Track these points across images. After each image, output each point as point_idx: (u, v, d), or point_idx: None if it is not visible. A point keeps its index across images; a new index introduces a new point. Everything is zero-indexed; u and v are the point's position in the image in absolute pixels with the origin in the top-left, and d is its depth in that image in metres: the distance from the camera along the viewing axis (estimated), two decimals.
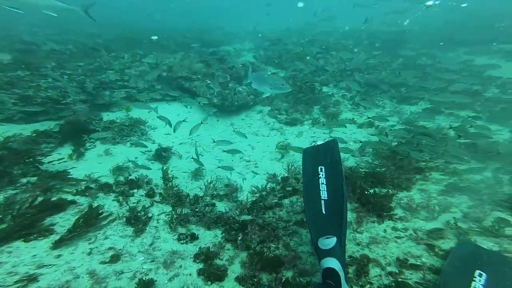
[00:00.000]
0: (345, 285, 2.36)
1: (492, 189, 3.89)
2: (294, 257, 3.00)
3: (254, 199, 4.30)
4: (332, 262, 2.42)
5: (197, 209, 3.94)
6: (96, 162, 5.17)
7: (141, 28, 18.56)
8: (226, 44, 15.32)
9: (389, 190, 4.08)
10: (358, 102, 7.81)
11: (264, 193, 4.47)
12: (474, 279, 2.53)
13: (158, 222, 3.71)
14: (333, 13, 15.98)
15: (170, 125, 5.36)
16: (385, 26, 15.90)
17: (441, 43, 13.58)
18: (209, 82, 8.04)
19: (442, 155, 4.57)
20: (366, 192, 3.90)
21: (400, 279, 2.66)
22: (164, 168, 4.88)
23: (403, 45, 13.54)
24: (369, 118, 7.19)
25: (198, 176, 5.09)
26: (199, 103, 6.55)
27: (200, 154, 5.41)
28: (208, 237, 3.46)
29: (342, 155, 4.96)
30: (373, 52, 12.59)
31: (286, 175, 5.02)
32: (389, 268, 2.82)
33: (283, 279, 2.81)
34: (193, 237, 3.43)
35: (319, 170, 3.14)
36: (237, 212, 3.95)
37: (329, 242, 2.51)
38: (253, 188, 4.62)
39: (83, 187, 4.22)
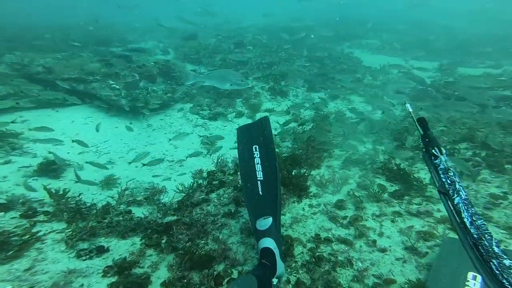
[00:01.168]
0: (280, 263, 2.43)
1: (373, 159, 4.60)
2: (224, 250, 2.93)
3: (180, 199, 4.04)
4: (268, 242, 2.48)
5: (106, 220, 3.46)
6: None
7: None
8: (134, 42, 14.03)
9: (305, 170, 4.39)
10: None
11: (190, 191, 4.26)
12: (467, 282, 2.26)
13: (43, 243, 3.09)
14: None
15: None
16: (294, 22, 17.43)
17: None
18: (112, 82, 7.15)
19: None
20: (287, 174, 4.12)
21: (317, 253, 2.85)
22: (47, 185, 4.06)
23: (306, 40, 14.99)
24: (288, 107, 7.67)
25: (110, 185, 4.49)
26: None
27: (110, 162, 4.79)
28: (123, 247, 3.07)
29: None
30: (284, 46, 13.48)
31: (213, 169, 4.91)
32: (309, 245, 3.00)
33: (215, 274, 2.71)
34: (101, 250, 2.98)
35: (254, 150, 3.09)
36: (159, 215, 3.64)
37: (266, 222, 2.57)
38: (179, 188, 4.35)
39: None
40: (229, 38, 14.04)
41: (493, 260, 1.08)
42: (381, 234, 3.02)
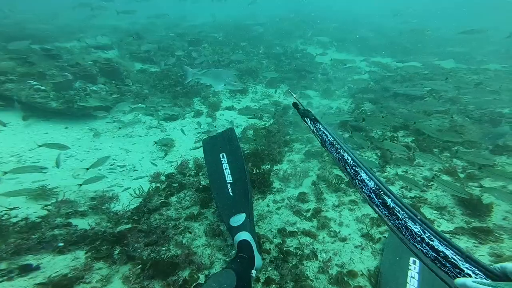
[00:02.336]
0: (257, 255, 2.47)
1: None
2: (188, 254, 2.80)
3: (136, 206, 3.77)
4: (244, 235, 2.59)
5: (35, 236, 3.06)
6: None
7: None
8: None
9: (269, 166, 4.45)
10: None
11: (147, 196, 4.00)
12: (409, 267, 2.52)
13: None
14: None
15: None
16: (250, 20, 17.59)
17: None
18: (34, 83, 6.27)
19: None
20: (253, 171, 4.11)
21: (284, 248, 2.90)
22: None
23: (262, 37, 15.27)
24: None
25: (43, 197, 3.94)
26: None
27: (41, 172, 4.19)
28: (61, 263, 2.72)
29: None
30: (241, 43, 13.51)
31: (172, 171, 4.69)
32: (275, 240, 3.03)
33: (180, 281, 2.58)
34: (27, 269, 2.63)
35: (222, 157, 3.43)
36: (109, 224, 3.34)
37: (239, 218, 2.76)
38: (135, 193, 4.05)
39: None
40: (182, 36, 13.57)
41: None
42: (341, 224, 3.18)
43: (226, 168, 3.30)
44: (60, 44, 11.11)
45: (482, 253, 2.71)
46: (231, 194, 3.08)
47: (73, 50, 10.29)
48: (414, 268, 2.47)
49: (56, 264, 2.70)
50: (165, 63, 9.94)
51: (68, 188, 4.09)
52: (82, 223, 3.35)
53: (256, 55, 12.39)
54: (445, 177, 3.81)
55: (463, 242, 2.85)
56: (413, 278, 2.39)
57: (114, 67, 7.81)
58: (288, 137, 5.66)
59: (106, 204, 3.72)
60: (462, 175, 3.88)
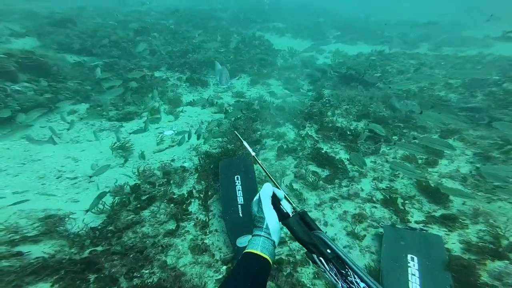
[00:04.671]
0: None
1: (302, 145, 4.93)
2: (176, 276, 2.64)
3: (100, 224, 3.38)
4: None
5: None
6: None
7: None
8: None
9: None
10: None
11: (110, 212, 3.61)
12: (408, 264, 2.63)
13: None
14: None
15: None
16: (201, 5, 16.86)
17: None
18: None
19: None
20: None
21: (276, 257, 2.89)
22: None
23: (218, 25, 14.82)
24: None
25: None
26: None
27: None
28: None
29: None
30: (194, 31, 12.86)
31: (135, 182, 4.30)
32: None
33: None
34: None
35: (236, 179, 3.65)
36: (73, 250, 2.96)
37: (246, 239, 2.86)
38: (93, 211, 3.61)
39: None
40: (125, 23, 12.33)
41: None
42: (326, 224, 3.31)
43: (239, 190, 3.52)
44: None
45: (454, 241, 3.01)
46: (241, 215, 3.25)
47: None
48: (413, 265, 2.58)
49: None
50: (109, 56, 8.93)
51: (4, 209, 3.46)
52: (36, 250, 2.90)
53: (211, 43, 11.92)
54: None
55: (435, 231, 3.15)
56: (414, 275, 2.51)
57: (40, 61, 6.68)
58: (259, 133, 5.64)
59: (60, 226, 3.25)
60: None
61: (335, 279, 1.13)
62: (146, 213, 3.59)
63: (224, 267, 2.86)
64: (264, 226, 1.28)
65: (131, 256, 2.93)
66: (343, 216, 3.32)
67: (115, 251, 2.94)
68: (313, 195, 3.73)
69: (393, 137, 4.84)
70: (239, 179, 3.64)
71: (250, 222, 3.05)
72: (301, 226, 1.27)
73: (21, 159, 4.59)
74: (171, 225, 3.34)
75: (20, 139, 5.19)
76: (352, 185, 3.81)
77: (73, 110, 6.26)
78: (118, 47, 9.46)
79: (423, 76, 6.75)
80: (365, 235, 3.09)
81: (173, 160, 5.05)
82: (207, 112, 7.09)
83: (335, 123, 5.50)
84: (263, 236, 1.25)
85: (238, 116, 6.17)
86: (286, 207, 1.35)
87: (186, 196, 3.88)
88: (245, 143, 1.43)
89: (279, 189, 1.32)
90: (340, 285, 1.10)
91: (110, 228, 3.30)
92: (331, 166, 4.19)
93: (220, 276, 2.77)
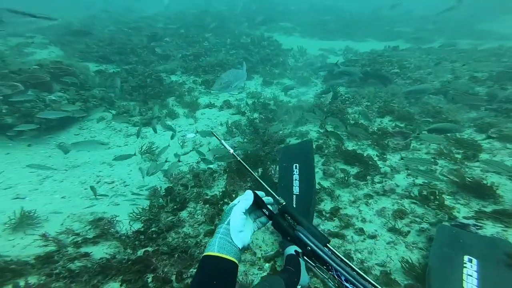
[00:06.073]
0: (304, 273, 2.48)
1: (326, 143, 4.92)
2: None
3: (141, 227, 3.53)
4: (295, 249, 2.53)
5: (56, 271, 2.77)
6: None
7: None
8: None
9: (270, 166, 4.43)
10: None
11: (150, 215, 3.77)
12: (465, 265, 2.49)
13: None
14: None
15: None
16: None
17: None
18: None
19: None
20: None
21: None
22: None
23: (227, 27, 14.96)
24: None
25: (27, 225, 3.47)
26: None
27: (18, 198, 3.72)
28: None
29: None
30: (205, 34, 13.02)
31: (169, 185, 4.46)
32: None
33: None
34: None
35: (294, 168, 3.51)
36: (129, 250, 3.13)
37: None
38: (132, 214, 3.77)
39: None
40: (137, 30, 12.59)
41: None
42: (364, 220, 3.35)
43: (295, 180, 3.39)
44: None
45: None
46: (294, 206, 3.15)
47: (3, 52, 8.85)
48: (470, 266, 2.45)
49: None
50: (127, 62, 9.17)
51: (57, 213, 3.67)
52: (96, 251, 3.09)
53: (223, 46, 12.10)
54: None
55: (491, 227, 3.00)
56: (471, 276, 2.39)
57: (69, 71, 6.96)
58: (281, 132, 5.71)
59: (111, 228, 3.43)
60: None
61: (321, 274, 1.17)
62: (184, 214, 3.73)
63: (267, 264, 2.97)
64: (225, 222, 1.19)
65: (175, 256, 3.07)
66: (381, 212, 3.37)
67: (163, 251, 3.08)
68: (346, 192, 3.80)
69: (423, 132, 4.85)
70: (297, 167, 3.52)
71: (305, 215, 3.00)
72: (283, 226, 1.25)
73: (63, 166, 4.83)
74: (210, 225, 3.46)
75: (57, 146, 5.46)
76: (385, 181, 3.87)
77: (101, 117, 6.49)
78: (134, 53, 9.69)
79: (444, 70, 6.73)
80: (409, 231, 3.08)
81: (198, 162, 5.20)
82: (225, 114, 7.23)
83: (357, 120, 5.56)
84: (220, 234, 1.14)
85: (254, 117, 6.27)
86: (270, 205, 1.32)
87: (219, 197, 4.01)
88: (223, 142, 1.42)
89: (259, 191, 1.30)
90: (329, 281, 1.15)
91: (154, 229, 3.46)
92: (360, 163, 4.25)
93: (264, 274, 2.87)
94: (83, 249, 3.08)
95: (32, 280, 2.59)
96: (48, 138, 5.64)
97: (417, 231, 3.10)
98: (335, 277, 1.14)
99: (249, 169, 1.36)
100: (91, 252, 2.99)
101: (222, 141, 1.43)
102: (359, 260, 2.84)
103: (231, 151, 1.38)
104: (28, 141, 5.41)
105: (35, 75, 6.17)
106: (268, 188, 1.32)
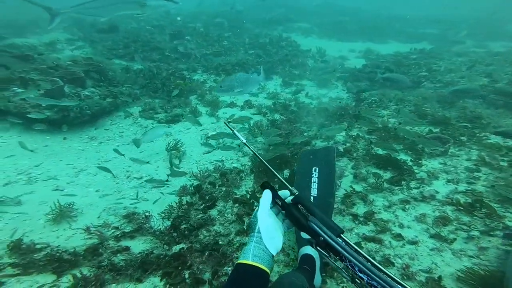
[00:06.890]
0: (318, 274, 2.48)
1: (355, 146, 4.81)
2: None
3: (171, 223, 3.55)
4: (309, 249, 2.58)
5: (104, 263, 2.83)
6: None
7: None
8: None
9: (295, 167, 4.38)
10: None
11: (179, 212, 3.78)
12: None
13: None
14: None
15: None
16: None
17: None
18: (20, 90, 5.49)
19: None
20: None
21: None
22: None
23: (243, 26, 15.05)
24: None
25: (66, 218, 3.58)
26: None
27: (57, 190, 3.82)
28: None
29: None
30: (224, 34, 13.10)
31: (196, 182, 4.48)
32: None
33: None
34: None
35: (313, 171, 3.49)
36: (165, 246, 3.15)
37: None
38: (165, 210, 3.81)
39: None
40: (160, 28, 12.80)
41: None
42: (401, 226, 3.24)
43: (314, 182, 3.37)
44: (17, 40, 9.75)
45: None
46: None
47: (37, 48, 9.21)
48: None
49: None
50: (150, 60, 9.30)
51: (93, 206, 3.75)
52: (134, 246, 3.14)
53: (242, 46, 12.15)
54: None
55: None
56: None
57: (100, 67, 7.16)
58: (306, 134, 5.67)
59: (146, 223, 3.47)
60: None
61: (335, 265, 1.19)
62: (213, 212, 3.73)
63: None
64: (256, 230, 1.18)
65: (206, 253, 3.07)
66: (420, 219, 3.27)
67: (196, 249, 3.09)
68: (380, 197, 3.71)
69: (461, 138, 4.70)
70: (317, 171, 3.47)
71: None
72: (296, 216, 1.25)
73: (95, 160, 4.95)
74: (241, 225, 3.45)
75: (89, 140, 5.61)
76: (423, 187, 3.75)
77: (129, 113, 6.62)
78: (157, 51, 9.83)
79: (477, 73, 6.50)
80: (455, 238, 2.96)
81: (222, 161, 5.21)
82: (246, 113, 7.23)
83: (386, 123, 5.43)
84: (254, 242, 1.13)
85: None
86: (285, 196, 1.34)
87: (248, 197, 3.99)
88: (235, 132, 1.47)
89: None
90: (343, 271, 1.16)
91: (185, 226, 3.47)
92: (393, 167, 4.15)
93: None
94: (123, 243, 3.14)
95: (84, 271, 2.66)
96: (79, 132, 5.79)
97: (464, 238, 2.97)
98: (348, 268, 1.15)
99: (263, 159, 1.38)
100: (130, 246, 3.03)
101: (235, 131, 1.45)
102: (399, 265, 2.76)
103: (244, 141, 1.41)
104: (62, 134, 5.57)
105: (71, 71, 6.38)
106: (282, 179, 1.33)
